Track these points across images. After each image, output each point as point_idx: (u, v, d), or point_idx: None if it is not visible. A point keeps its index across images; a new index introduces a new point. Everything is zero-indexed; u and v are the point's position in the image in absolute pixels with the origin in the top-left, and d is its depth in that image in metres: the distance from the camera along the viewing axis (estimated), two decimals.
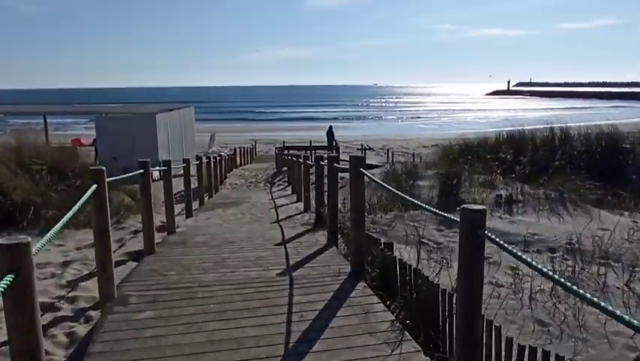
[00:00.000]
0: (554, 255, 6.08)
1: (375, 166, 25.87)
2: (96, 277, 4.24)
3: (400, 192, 4.05)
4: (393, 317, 3.65)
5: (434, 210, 3.12)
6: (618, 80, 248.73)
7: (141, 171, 5.29)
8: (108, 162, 21.80)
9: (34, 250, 1.96)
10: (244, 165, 28.76)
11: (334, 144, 32.75)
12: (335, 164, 5.59)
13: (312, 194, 9.33)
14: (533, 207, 8.16)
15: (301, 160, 10.25)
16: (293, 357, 3.01)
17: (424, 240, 6.87)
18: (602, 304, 1.60)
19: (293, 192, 12.68)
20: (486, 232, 2.40)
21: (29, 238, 1.95)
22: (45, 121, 27.19)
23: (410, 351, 3.11)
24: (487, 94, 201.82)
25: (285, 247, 5.79)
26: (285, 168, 16.48)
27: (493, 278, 5.02)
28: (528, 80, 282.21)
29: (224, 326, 3.42)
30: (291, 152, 30.57)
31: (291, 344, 3.17)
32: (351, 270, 4.57)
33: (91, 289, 5.20)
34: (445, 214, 2.92)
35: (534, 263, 2.08)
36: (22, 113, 40.72)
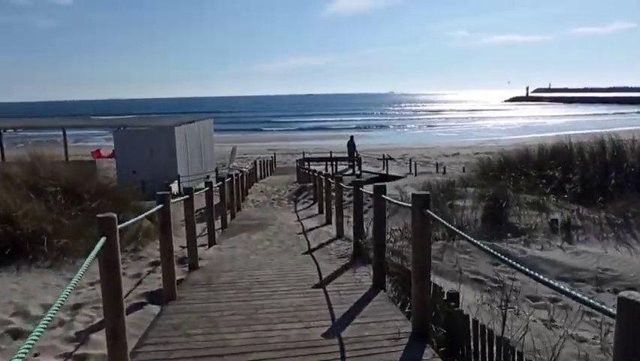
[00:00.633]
0: None
1: (399, 177, 25.06)
2: None
3: (467, 236, 3.27)
4: None
5: (530, 271, 2.31)
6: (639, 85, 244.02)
7: (160, 206, 4.57)
8: (127, 177, 21.40)
9: None
10: (264, 177, 28.10)
11: (356, 154, 31.93)
12: (383, 195, 4.81)
13: (340, 210, 8.58)
14: (595, 234, 7.29)
15: (331, 181, 9.53)
16: None
17: (479, 277, 6.06)
18: None
19: (320, 212, 11.91)
20: None
21: None
22: (64, 135, 26.89)
23: None
24: (505, 100, 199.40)
25: (325, 291, 5.01)
26: (311, 184, 15.71)
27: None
28: (547, 86, 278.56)
29: None
30: (312, 165, 29.94)
31: None
32: (414, 331, 3.77)
33: (102, 344, 4.49)
34: (571, 293, 2.12)
35: None
36: (41, 127, 40.68)
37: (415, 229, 3.53)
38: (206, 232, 8.72)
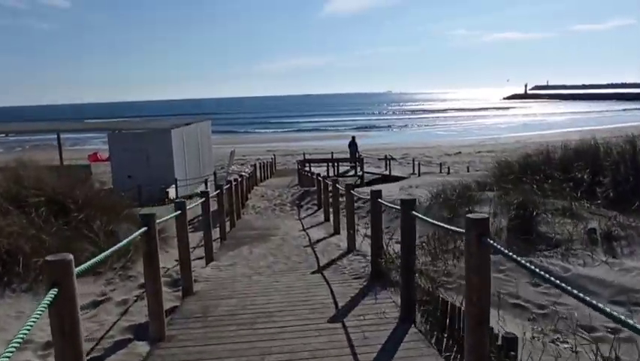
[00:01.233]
0: None
1: (402, 178, 24.20)
2: None
3: (525, 264, 2.46)
4: None
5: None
6: (637, 81, 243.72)
7: (143, 230, 3.74)
8: (122, 181, 20.51)
9: None
10: (264, 180, 27.25)
11: (357, 155, 31.11)
12: (413, 211, 3.98)
13: (352, 222, 7.74)
14: None
15: (340, 188, 8.69)
16: None
17: (519, 301, 5.23)
18: None
19: (326, 219, 11.08)
20: None
21: None
22: (59, 139, 26.06)
23: None
24: (504, 98, 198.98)
25: (345, 326, 4.18)
26: (314, 188, 14.86)
27: None
28: (545, 83, 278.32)
29: None
30: (312, 166, 29.06)
31: None
32: None
33: None
34: None
35: None
36: (34, 132, 39.79)
37: (474, 266, 2.70)
38: (202, 243, 7.90)
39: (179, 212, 5.24)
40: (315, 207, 13.41)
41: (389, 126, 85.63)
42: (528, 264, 2.48)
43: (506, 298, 5.16)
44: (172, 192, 21.54)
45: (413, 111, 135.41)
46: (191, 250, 9.22)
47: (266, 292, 5.37)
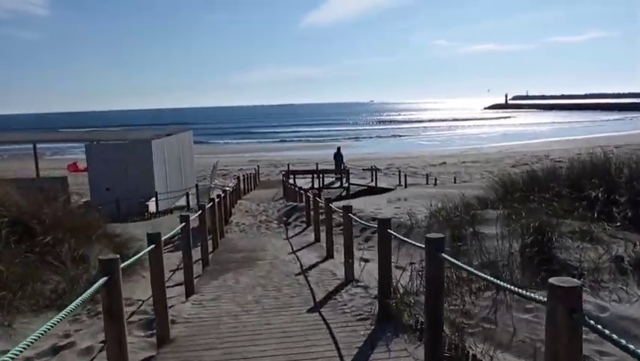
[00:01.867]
0: None
1: (389, 189, 23.47)
2: None
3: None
4: None
5: None
6: (615, 92, 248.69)
7: (103, 280, 2.89)
8: (100, 194, 19.41)
9: None
10: (247, 192, 26.32)
11: (343, 166, 30.40)
12: (442, 254, 3.20)
13: (350, 250, 6.94)
14: None
15: (337, 209, 7.89)
16: None
17: None
18: None
19: (316, 240, 10.28)
20: None
21: None
22: (35, 150, 24.94)
23: None
24: (485, 108, 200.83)
25: None
26: (302, 205, 14.04)
27: None
28: (525, 93, 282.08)
29: None
30: (297, 178, 28.23)
31: None
32: None
33: None
34: None
35: None
36: (9, 142, 38.34)
37: (562, 355, 1.92)
38: (181, 265, 7.02)
39: (153, 245, 4.38)
40: (304, 225, 12.58)
41: (372, 136, 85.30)
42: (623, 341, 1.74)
43: (539, 346, 4.39)
44: (152, 206, 20.53)
45: (396, 121, 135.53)
46: (170, 272, 8.36)
47: (257, 339, 4.54)
